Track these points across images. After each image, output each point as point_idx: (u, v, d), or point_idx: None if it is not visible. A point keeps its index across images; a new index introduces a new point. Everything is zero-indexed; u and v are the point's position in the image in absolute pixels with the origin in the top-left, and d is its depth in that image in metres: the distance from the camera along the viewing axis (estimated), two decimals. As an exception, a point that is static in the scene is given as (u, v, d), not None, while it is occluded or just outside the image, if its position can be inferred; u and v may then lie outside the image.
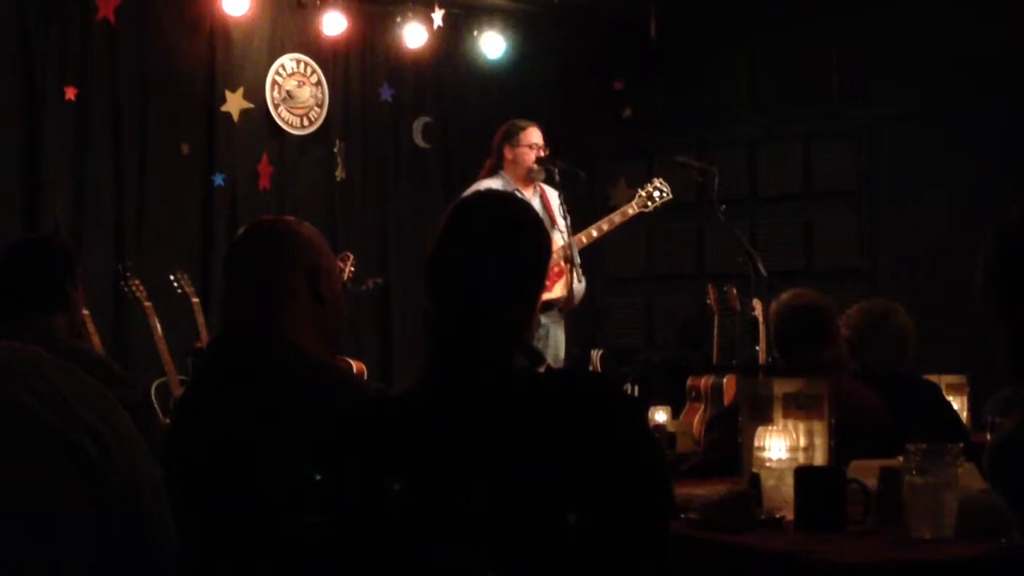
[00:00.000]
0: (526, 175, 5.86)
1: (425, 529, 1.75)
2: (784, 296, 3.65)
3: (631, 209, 6.05)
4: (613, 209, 6.26)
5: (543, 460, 1.74)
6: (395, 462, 1.79)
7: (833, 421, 2.71)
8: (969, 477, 2.40)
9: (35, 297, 3.12)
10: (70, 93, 6.67)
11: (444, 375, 1.87)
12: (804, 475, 2.52)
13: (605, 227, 6.00)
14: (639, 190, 6.10)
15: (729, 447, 2.94)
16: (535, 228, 1.99)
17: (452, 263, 1.91)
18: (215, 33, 7.23)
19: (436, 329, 1.89)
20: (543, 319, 5.58)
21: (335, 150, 7.67)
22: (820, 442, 2.70)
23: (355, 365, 6.19)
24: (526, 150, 5.86)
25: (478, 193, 2.13)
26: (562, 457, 1.74)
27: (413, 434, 1.82)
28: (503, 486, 1.73)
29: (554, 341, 5.86)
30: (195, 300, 6.22)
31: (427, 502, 1.75)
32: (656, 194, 6.06)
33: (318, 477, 1.84)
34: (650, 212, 6.09)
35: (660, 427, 4.67)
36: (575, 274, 5.52)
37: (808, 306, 3.56)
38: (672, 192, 6.10)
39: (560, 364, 5.73)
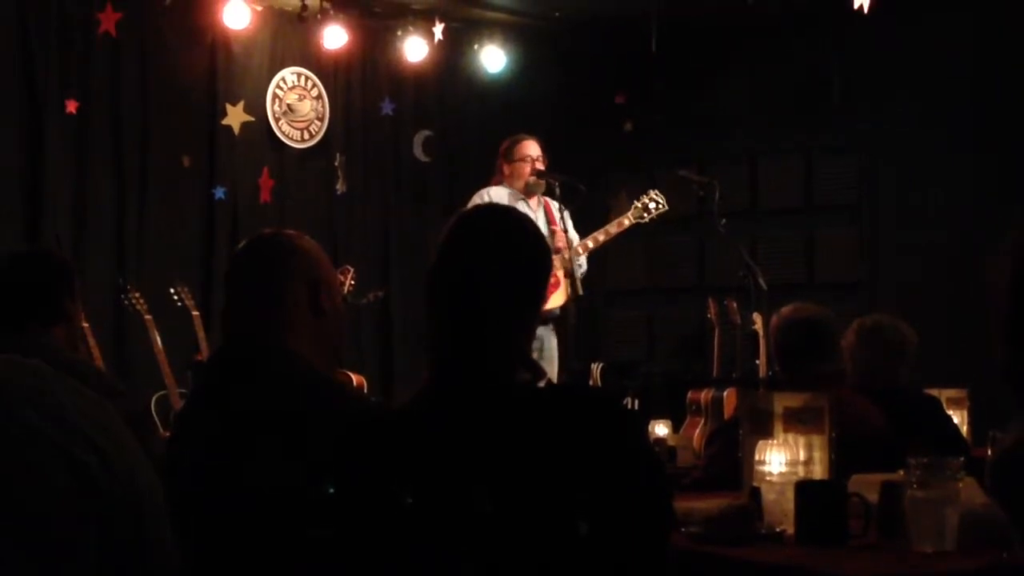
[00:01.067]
0: (524, 187, 5.89)
1: (426, 541, 1.74)
2: (785, 310, 3.65)
3: (627, 220, 6.08)
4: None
5: (544, 473, 1.73)
6: (398, 474, 1.79)
7: (833, 435, 2.71)
8: (970, 491, 2.39)
9: (34, 310, 3.12)
10: (71, 106, 6.67)
11: (445, 386, 1.87)
12: (805, 489, 2.51)
13: (601, 238, 6.03)
14: (635, 201, 6.13)
15: (729, 461, 2.93)
16: (535, 240, 2.00)
17: (453, 275, 1.91)
18: (216, 46, 7.24)
19: (436, 341, 1.89)
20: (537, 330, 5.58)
21: (336, 163, 7.67)
22: (820, 456, 2.70)
23: (355, 378, 6.18)
24: (521, 163, 5.90)
25: (479, 206, 2.15)
26: (563, 470, 1.74)
27: (415, 446, 1.82)
28: (505, 498, 1.72)
29: (548, 353, 5.86)
30: (195, 313, 6.22)
31: (429, 515, 1.75)
32: (652, 205, 6.09)
33: (328, 489, 1.84)
34: (646, 223, 6.11)
35: (661, 441, 4.68)
36: (577, 285, 5.54)
37: (809, 320, 3.56)
38: (669, 205, 6.12)
39: (554, 376, 5.73)
